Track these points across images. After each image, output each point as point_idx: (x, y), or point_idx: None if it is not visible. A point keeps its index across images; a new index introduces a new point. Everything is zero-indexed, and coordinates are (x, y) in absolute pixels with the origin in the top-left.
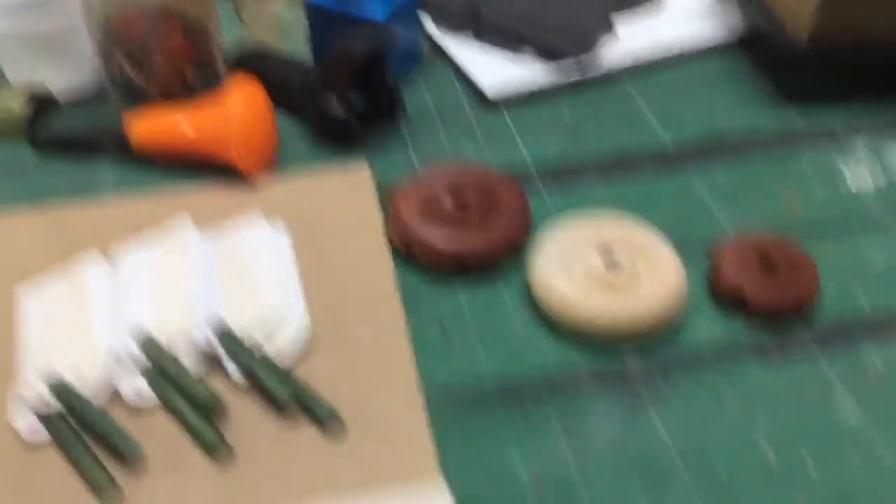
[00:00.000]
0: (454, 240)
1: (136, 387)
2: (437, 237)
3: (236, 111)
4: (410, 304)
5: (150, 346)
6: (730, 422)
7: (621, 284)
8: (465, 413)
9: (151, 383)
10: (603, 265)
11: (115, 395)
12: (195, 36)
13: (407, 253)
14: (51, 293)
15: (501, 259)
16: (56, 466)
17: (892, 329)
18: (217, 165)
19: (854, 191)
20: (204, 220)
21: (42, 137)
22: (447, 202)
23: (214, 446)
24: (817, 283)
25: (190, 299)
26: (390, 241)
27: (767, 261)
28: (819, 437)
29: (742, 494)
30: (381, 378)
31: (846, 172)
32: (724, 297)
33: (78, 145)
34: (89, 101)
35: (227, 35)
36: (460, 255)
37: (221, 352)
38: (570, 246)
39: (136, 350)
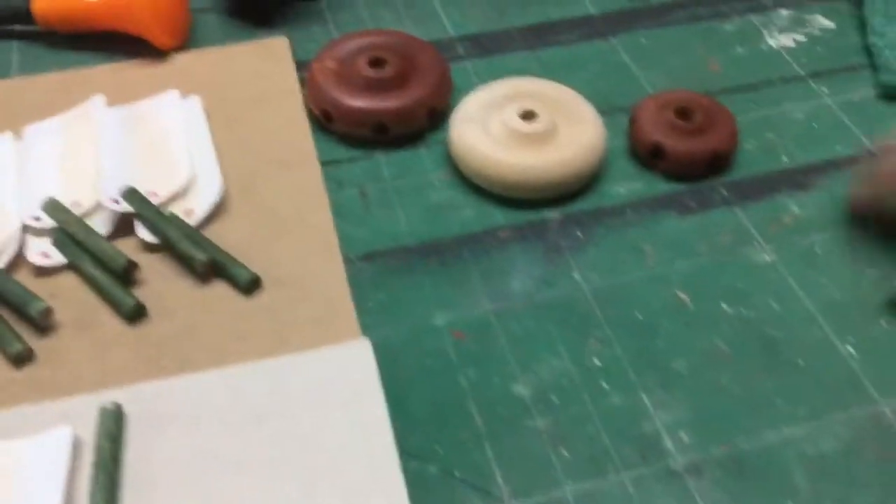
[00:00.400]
0: (372, 102)
1: (42, 249)
2: (355, 100)
3: None
4: (329, 170)
5: (56, 209)
6: (646, 269)
7: (539, 138)
8: (384, 272)
9: (58, 245)
10: (521, 120)
11: (22, 260)
12: None
13: (325, 118)
14: None
15: (422, 124)
16: None
17: (810, 179)
18: (128, 40)
19: (775, 49)
20: (115, 95)
21: None
22: (364, 66)
23: (125, 305)
24: (736, 136)
25: (100, 166)
26: (308, 109)
27: (685, 116)
28: (734, 279)
29: (659, 334)
30: (300, 239)
31: (767, 34)
32: (643, 152)
33: None
34: None
35: None
36: (379, 117)
37: (131, 212)
38: (489, 105)
39: (42, 214)
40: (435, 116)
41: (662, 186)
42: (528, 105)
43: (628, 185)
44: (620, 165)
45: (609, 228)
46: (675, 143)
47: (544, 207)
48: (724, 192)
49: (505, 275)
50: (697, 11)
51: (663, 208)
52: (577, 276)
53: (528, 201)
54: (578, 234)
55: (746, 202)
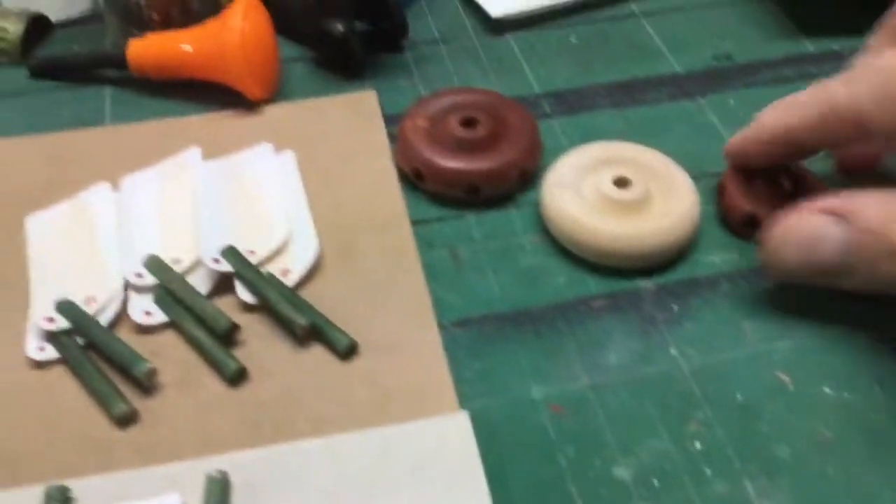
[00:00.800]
0: (464, 163)
1: (144, 307)
2: (447, 161)
3: (238, 28)
4: (419, 230)
5: (158, 267)
6: (745, 346)
7: (633, 206)
8: (479, 340)
9: (160, 303)
10: (615, 187)
11: (124, 317)
12: None
13: (416, 177)
14: (57, 221)
15: (513, 185)
16: (66, 385)
17: None
18: (219, 89)
19: None
20: (208, 145)
21: (37, 60)
22: (457, 126)
23: (228, 368)
24: None
25: (199, 224)
26: (398, 166)
27: (776, 183)
28: (835, 360)
29: (761, 417)
30: (393, 303)
31: None
32: (735, 222)
33: (75, 69)
34: (86, 23)
35: None
36: (471, 178)
37: (232, 272)
38: (581, 169)
39: (144, 271)
40: (525, 178)
41: (756, 257)
42: (622, 171)
43: (722, 255)
44: (712, 233)
45: (705, 301)
46: (770, 213)
47: (637, 275)
48: None
49: (601, 347)
50: (784, 72)
51: (760, 281)
52: (674, 351)
53: (620, 269)
54: (674, 306)
55: None
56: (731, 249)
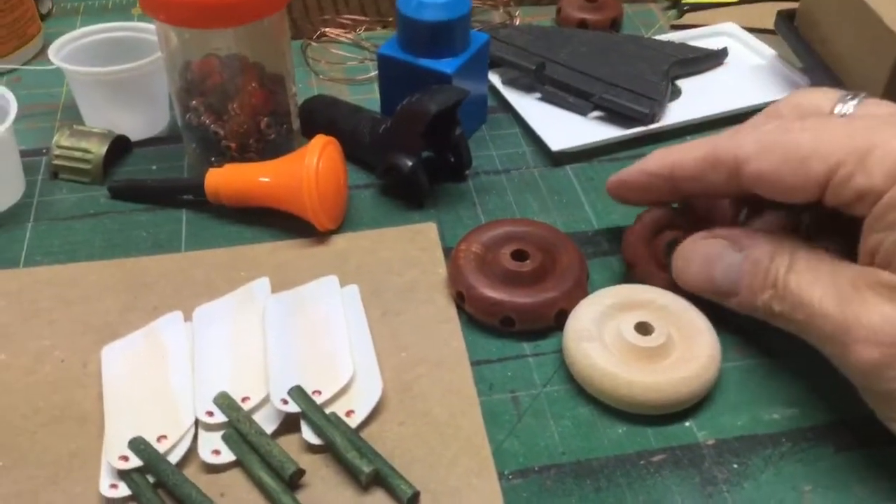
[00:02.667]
0: (504, 295)
1: (214, 447)
2: (488, 289)
3: (314, 166)
4: (480, 369)
5: (229, 406)
6: None
7: (657, 352)
8: (540, 493)
9: (229, 442)
10: (637, 334)
11: (193, 454)
12: (272, 85)
13: (459, 299)
14: (131, 352)
15: (549, 323)
16: None
17: None
18: (288, 217)
19: None
20: (275, 273)
21: (118, 183)
22: (507, 258)
23: None
24: None
25: (269, 364)
26: (448, 286)
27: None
28: None
29: None
30: (453, 448)
31: None
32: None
33: (154, 193)
34: (164, 143)
35: (299, 84)
36: (507, 311)
37: (299, 415)
38: (602, 315)
39: (215, 409)
40: (563, 318)
41: (819, 416)
42: (642, 316)
43: (783, 410)
44: (769, 386)
45: (766, 461)
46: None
47: (693, 421)
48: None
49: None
50: None
51: (821, 442)
52: None
53: (674, 415)
54: (734, 465)
55: None
56: (791, 405)
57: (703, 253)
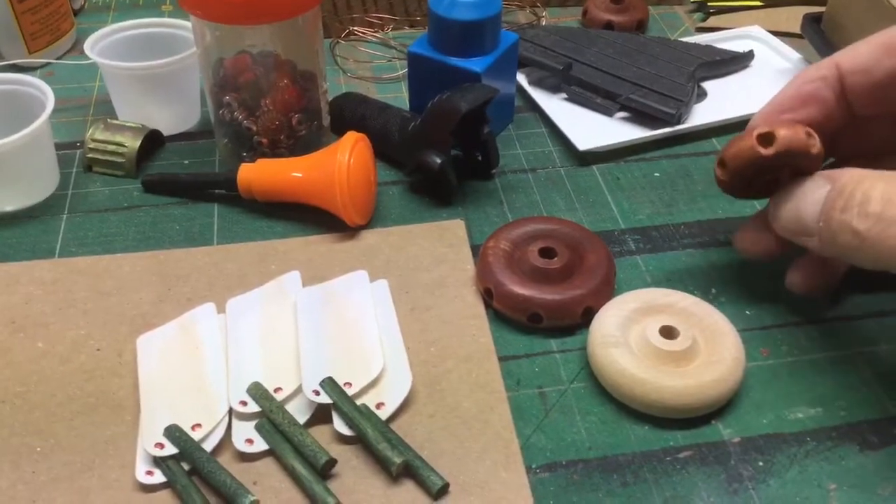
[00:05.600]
0: (533, 291)
1: (247, 436)
2: (517, 286)
3: (345, 163)
4: (507, 365)
5: (262, 396)
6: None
7: (682, 356)
8: (567, 487)
9: (262, 432)
10: (663, 338)
11: (227, 442)
12: (303, 82)
13: (488, 295)
14: (166, 342)
15: (576, 320)
16: None
17: None
18: (318, 212)
19: None
20: (306, 268)
21: (152, 177)
22: (535, 255)
23: (325, 501)
24: None
25: (301, 355)
26: (476, 283)
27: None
28: None
29: None
30: (481, 442)
31: None
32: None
33: (186, 187)
34: (196, 138)
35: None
36: (535, 307)
37: (330, 406)
38: (627, 320)
39: (248, 399)
40: (590, 315)
41: (843, 415)
42: (666, 320)
43: (808, 409)
44: (796, 385)
45: (791, 459)
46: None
47: (718, 419)
48: None
49: (687, 503)
50: None
51: (845, 441)
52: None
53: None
54: (760, 462)
55: None
56: (816, 404)
57: (797, 189)
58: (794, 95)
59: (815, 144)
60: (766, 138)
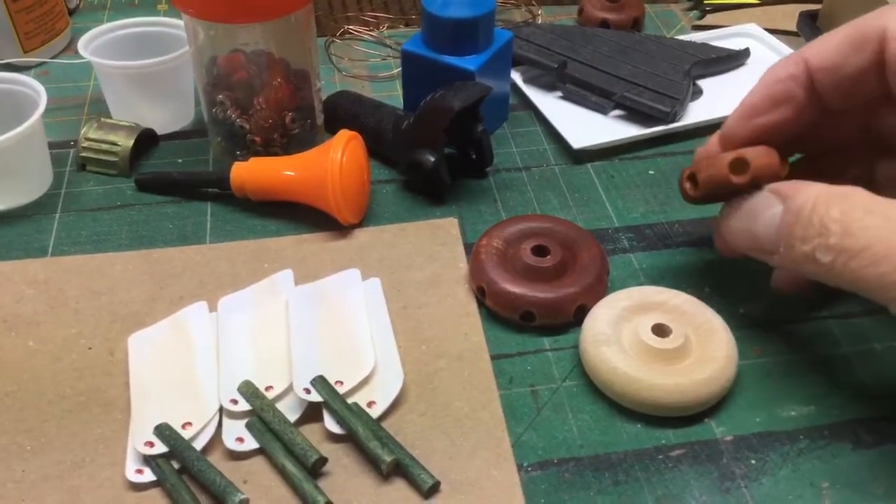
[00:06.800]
0: (525, 290)
1: (237, 434)
2: (509, 284)
3: (338, 161)
4: (500, 363)
5: (253, 395)
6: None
7: (675, 354)
8: (559, 485)
9: (252, 430)
10: (655, 336)
11: (217, 441)
12: (297, 81)
13: (480, 294)
14: (157, 340)
15: (568, 318)
16: None
17: None
18: (311, 211)
19: None
20: (298, 266)
21: (145, 176)
22: (528, 253)
23: (316, 502)
24: None
25: (292, 353)
26: (468, 281)
27: None
28: None
29: None
30: (473, 440)
31: None
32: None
33: (179, 186)
34: (189, 136)
35: (322, 80)
36: (527, 305)
37: (321, 404)
38: (618, 318)
39: (239, 397)
40: (582, 313)
41: (836, 413)
42: (658, 318)
43: (800, 408)
44: (790, 382)
45: (784, 458)
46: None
47: (711, 418)
48: None
49: (679, 501)
50: None
51: (838, 439)
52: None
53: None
54: (752, 461)
55: None
56: (809, 402)
57: (746, 207)
58: (765, 96)
59: (786, 168)
60: (739, 166)
